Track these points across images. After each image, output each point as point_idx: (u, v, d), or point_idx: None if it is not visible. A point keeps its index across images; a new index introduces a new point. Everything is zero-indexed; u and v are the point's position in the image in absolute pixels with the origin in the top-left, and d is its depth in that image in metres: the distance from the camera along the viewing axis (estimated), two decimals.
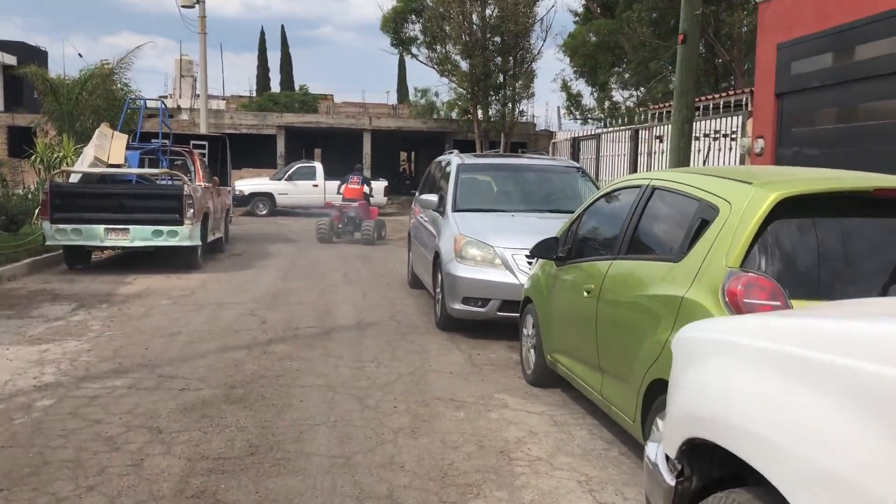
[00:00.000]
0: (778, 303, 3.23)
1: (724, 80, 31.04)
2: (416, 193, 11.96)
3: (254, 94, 52.15)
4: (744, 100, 9.41)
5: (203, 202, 12.61)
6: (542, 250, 5.41)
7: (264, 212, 26.91)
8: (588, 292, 4.67)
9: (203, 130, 26.90)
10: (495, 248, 7.49)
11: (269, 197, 27.07)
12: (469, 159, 9.32)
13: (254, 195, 27.05)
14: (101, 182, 12.17)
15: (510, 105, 27.40)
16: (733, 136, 9.41)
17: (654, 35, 28.18)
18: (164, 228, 11.70)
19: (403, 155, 50.44)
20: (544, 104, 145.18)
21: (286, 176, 27.50)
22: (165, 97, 54.57)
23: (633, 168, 11.93)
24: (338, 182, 19.07)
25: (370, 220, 17.50)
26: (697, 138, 11.13)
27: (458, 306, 7.52)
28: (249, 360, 6.59)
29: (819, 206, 3.47)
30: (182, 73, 52.77)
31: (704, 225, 3.67)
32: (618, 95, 35.97)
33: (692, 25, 8.03)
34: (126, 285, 10.73)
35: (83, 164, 12.11)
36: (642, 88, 35.80)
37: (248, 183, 27.73)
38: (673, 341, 2.58)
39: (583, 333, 4.80)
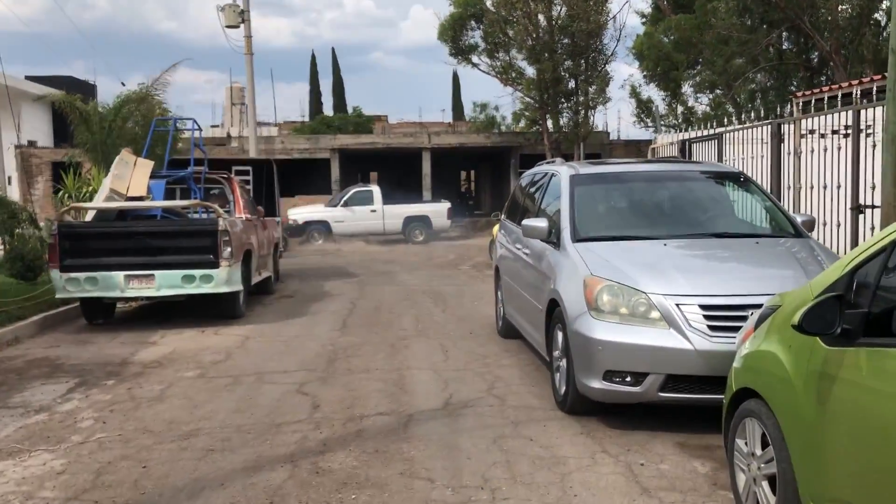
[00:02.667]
0: None
1: (818, 74, 28.04)
2: (501, 216, 9.61)
3: (307, 120, 50.73)
4: None
5: (244, 238, 10.47)
6: (815, 320, 2.94)
7: (320, 241, 24.89)
8: None
9: (253, 156, 25.09)
10: (650, 296, 5.04)
11: (324, 225, 25.07)
12: (584, 168, 6.88)
13: (309, 224, 25.09)
14: (120, 219, 10.12)
15: (584, 112, 24.84)
16: None
17: (742, 28, 25.37)
18: (197, 273, 9.56)
19: (463, 174, 48.29)
20: (615, 112, 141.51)
21: (342, 202, 25.49)
22: (217, 126, 53.65)
23: (777, 173, 9.37)
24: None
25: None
26: (847, 134, 8.54)
27: (599, 385, 5.07)
28: (294, 491, 4.25)
29: None
30: (233, 102, 51.75)
31: None
32: (701, 99, 33.21)
33: None
34: (149, 346, 8.59)
35: (100, 198, 10.08)
36: (718, 90, 33.10)
37: (302, 211, 25.80)
38: None
39: None
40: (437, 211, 25.70)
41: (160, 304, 11.10)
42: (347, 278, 15.20)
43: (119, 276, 9.45)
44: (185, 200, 10.66)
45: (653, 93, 35.11)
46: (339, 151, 30.21)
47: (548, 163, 8.14)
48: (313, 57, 55.84)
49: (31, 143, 31.47)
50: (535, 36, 24.28)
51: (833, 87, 11.74)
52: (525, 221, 6.52)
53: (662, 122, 35.15)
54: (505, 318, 8.37)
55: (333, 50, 61.02)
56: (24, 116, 31.48)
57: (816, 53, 26.82)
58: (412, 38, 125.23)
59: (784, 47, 29.62)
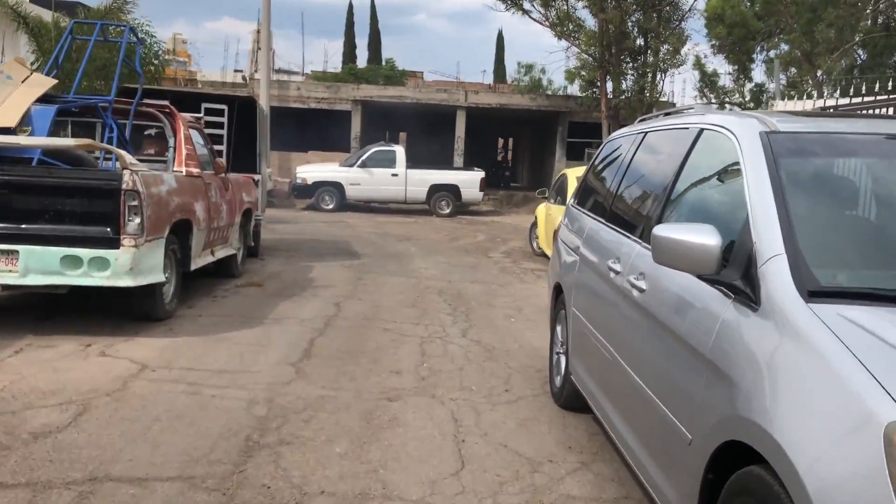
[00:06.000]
0: None
1: None
2: (569, 202, 6.00)
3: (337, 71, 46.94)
4: None
5: (176, 202, 6.98)
6: None
7: (331, 206, 21.43)
8: None
9: (263, 102, 21.52)
10: None
11: (337, 187, 21.52)
12: (786, 123, 3.14)
13: (319, 185, 21.55)
14: None
15: (651, 75, 20.89)
16: None
17: None
18: (84, 253, 6.11)
19: (500, 143, 44.42)
20: (680, 83, 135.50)
21: (360, 161, 21.84)
22: (240, 71, 49.97)
23: None
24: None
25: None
26: None
27: None
28: None
29: None
30: (259, 46, 48.09)
31: None
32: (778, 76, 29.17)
33: None
34: None
35: None
36: (792, 69, 29.10)
37: (312, 169, 22.25)
38: None
39: None
40: (469, 180, 22.04)
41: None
42: (347, 259, 11.74)
43: None
44: (75, 139, 7.12)
45: (719, 65, 31.09)
46: (362, 103, 26.56)
47: (675, 112, 4.48)
48: (350, 6, 51.95)
49: None
50: None
51: None
52: (661, 231, 2.79)
53: (727, 99, 31.34)
54: (568, 376, 4.83)
55: (373, 2, 56.97)
56: (13, 41, 28.13)
57: None
58: (457, 2, 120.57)
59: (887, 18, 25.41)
